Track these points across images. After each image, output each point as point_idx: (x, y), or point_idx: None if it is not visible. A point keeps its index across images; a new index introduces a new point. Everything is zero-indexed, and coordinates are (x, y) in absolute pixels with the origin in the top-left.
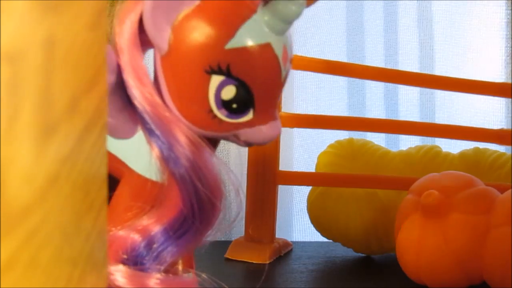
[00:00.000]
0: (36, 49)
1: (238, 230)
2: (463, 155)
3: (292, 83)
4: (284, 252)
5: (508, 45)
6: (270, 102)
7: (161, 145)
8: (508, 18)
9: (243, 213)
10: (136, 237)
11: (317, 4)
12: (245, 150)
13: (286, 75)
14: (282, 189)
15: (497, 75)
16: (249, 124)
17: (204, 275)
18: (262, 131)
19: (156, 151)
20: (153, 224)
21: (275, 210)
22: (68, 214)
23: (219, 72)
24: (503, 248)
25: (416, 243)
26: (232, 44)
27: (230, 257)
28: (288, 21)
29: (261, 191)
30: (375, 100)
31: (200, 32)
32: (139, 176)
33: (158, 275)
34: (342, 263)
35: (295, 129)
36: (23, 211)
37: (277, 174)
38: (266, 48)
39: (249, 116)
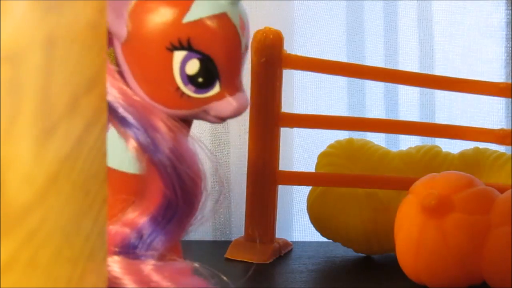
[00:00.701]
0: (36, 49)
1: (238, 230)
2: (463, 155)
3: (292, 83)
4: (284, 252)
5: (508, 45)
6: (234, 72)
7: (137, 133)
8: (508, 18)
9: (242, 214)
10: (125, 231)
11: (317, 4)
12: (245, 150)
13: (246, 44)
14: (282, 189)
15: (497, 75)
16: (216, 97)
17: (196, 264)
18: (231, 103)
19: (132, 142)
20: (140, 215)
21: (275, 210)
22: (68, 214)
23: (180, 47)
24: (503, 248)
25: (416, 243)
26: (189, 17)
27: (230, 257)
28: None
29: (261, 191)
30: (375, 100)
31: (156, 12)
32: (116, 171)
33: (153, 262)
34: (342, 263)
35: (295, 129)
36: (23, 211)
37: (277, 174)
38: (223, 18)
39: (216, 89)
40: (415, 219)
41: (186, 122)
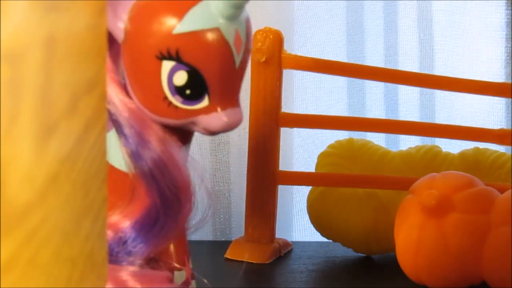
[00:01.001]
0: (36, 49)
1: (238, 230)
2: (463, 155)
3: (292, 83)
4: (284, 252)
5: (508, 45)
6: (226, 88)
7: (126, 140)
8: (508, 18)
9: (242, 214)
10: (108, 233)
11: (317, 4)
12: (245, 150)
13: (243, 61)
14: (282, 189)
15: (497, 75)
16: (205, 110)
17: (198, 275)
18: (220, 118)
19: (124, 152)
20: (123, 220)
21: (275, 210)
22: (68, 214)
23: (169, 57)
24: (503, 248)
25: (416, 243)
26: (180, 29)
27: (230, 257)
28: (237, 6)
29: (261, 191)
30: (375, 100)
31: (149, 18)
32: (117, 170)
33: (131, 268)
34: (342, 263)
35: (295, 129)
36: (23, 211)
37: (277, 174)
38: (215, 32)
39: (204, 102)
40: (415, 219)
41: (185, 134)
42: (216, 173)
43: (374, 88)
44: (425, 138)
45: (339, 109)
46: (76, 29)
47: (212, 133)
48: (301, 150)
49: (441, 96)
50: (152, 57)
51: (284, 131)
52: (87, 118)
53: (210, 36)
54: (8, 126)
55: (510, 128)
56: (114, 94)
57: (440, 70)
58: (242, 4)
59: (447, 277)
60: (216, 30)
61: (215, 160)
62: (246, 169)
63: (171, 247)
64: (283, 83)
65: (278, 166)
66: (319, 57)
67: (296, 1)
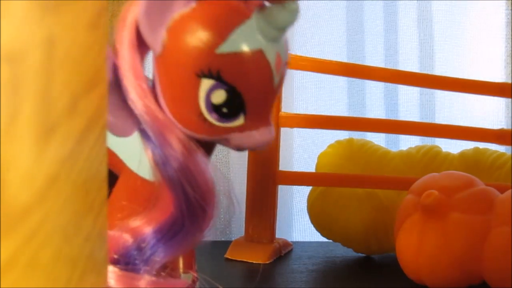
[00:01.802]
0: (36, 49)
1: (238, 230)
2: (463, 155)
3: (292, 83)
4: (284, 252)
5: (508, 45)
6: (262, 108)
7: (153, 148)
8: (508, 18)
9: (242, 214)
10: (127, 238)
11: (317, 4)
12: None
13: (280, 81)
14: (282, 189)
15: (497, 75)
16: (240, 129)
17: (203, 276)
18: (253, 137)
19: (149, 153)
20: (144, 225)
21: (275, 210)
22: (68, 214)
23: (209, 76)
24: (503, 248)
25: (416, 243)
26: (223, 49)
27: (230, 257)
28: (281, 28)
29: (261, 191)
30: (375, 100)
31: (192, 35)
32: (135, 175)
33: (148, 277)
34: (342, 263)
35: (295, 129)
36: (23, 211)
37: (277, 174)
38: (258, 54)
39: (240, 121)
40: (415, 219)
41: (208, 145)
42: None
43: (374, 88)
44: (425, 138)
45: (339, 109)
46: (76, 29)
47: (243, 150)
48: (301, 150)
49: (441, 96)
50: (192, 74)
51: (284, 131)
52: (87, 118)
53: (253, 57)
54: (8, 126)
55: (510, 128)
56: (138, 99)
57: (440, 70)
58: (287, 27)
59: (447, 277)
60: (260, 51)
61: (215, 160)
62: (246, 169)
63: None
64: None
65: (278, 166)
66: (319, 57)
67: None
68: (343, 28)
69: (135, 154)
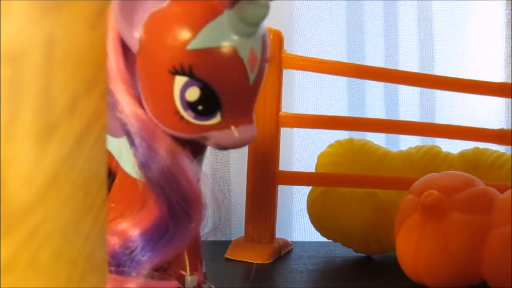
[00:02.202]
0: (36, 49)
1: (238, 230)
2: (463, 155)
3: (292, 83)
4: (284, 252)
5: (508, 45)
6: (239, 105)
7: (136, 150)
8: (508, 18)
9: (242, 214)
10: (115, 240)
11: (317, 4)
12: (245, 150)
13: (258, 78)
14: (282, 189)
15: (497, 75)
16: (217, 127)
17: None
18: (232, 135)
19: (133, 155)
20: (131, 228)
21: (275, 210)
22: (68, 214)
23: (182, 73)
24: (503, 248)
25: (416, 243)
26: (194, 45)
27: (230, 257)
28: (252, 24)
29: (261, 191)
30: (375, 100)
31: (165, 32)
32: (129, 176)
33: (137, 280)
34: (342, 263)
35: (295, 129)
36: (23, 211)
37: (277, 174)
38: (229, 50)
39: (216, 118)
40: (415, 219)
41: (199, 146)
42: (216, 173)
43: (374, 88)
44: (425, 138)
45: (339, 109)
46: (76, 29)
47: (224, 148)
48: (301, 150)
49: (441, 96)
50: (166, 71)
51: (284, 131)
52: (87, 118)
53: (224, 53)
54: (8, 126)
55: (510, 128)
56: (126, 104)
57: (440, 70)
58: (258, 22)
59: (447, 277)
60: (231, 47)
61: (215, 160)
62: (246, 169)
63: (184, 252)
64: (283, 83)
65: (278, 166)
66: (319, 57)
67: (296, 1)
68: (343, 28)
69: (128, 155)
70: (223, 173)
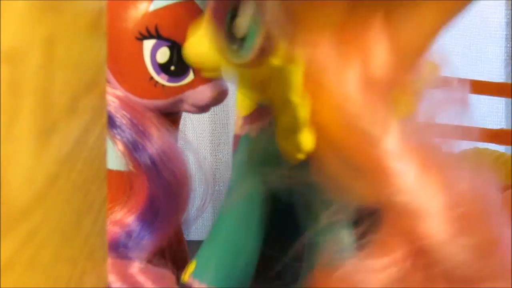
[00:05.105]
0: (36, 48)
1: None
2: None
3: None
4: None
5: (508, 45)
6: None
7: (124, 135)
8: (508, 18)
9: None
10: (115, 229)
11: None
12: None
13: None
14: None
15: (497, 75)
16: (191, 85)
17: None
18: (206, 91)
19: (119, 145)
20: (127, 213)
21: None
22: (68, 214)
23: (149, 36)
24: None
25: None
26: (156, 5)
27: None
28: None
29: None
30: None
31: (124, 4)
32: (110, 170)
33: (139, 264)
34: None
35: None
36: (23, 211)
37: None
38: (189, 4)
39: (190, 77)
40: None
41: (173, 117)
42: (216, 173)
43: None
44: None
45: None
46: (76, 29)
47: (200, 108)
48: None
49: None
50: (133, 39)
51: None
52: (87, 118)
53: (186, 7)
54: (8, 126)
55: (510, 128)
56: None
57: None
58: None
59: None
60: (191, 2)
61: (215, 160)
62: None
63: (170, 248)
64: None
65: None
66: None
67: None
68: None
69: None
70: (223, 173)
